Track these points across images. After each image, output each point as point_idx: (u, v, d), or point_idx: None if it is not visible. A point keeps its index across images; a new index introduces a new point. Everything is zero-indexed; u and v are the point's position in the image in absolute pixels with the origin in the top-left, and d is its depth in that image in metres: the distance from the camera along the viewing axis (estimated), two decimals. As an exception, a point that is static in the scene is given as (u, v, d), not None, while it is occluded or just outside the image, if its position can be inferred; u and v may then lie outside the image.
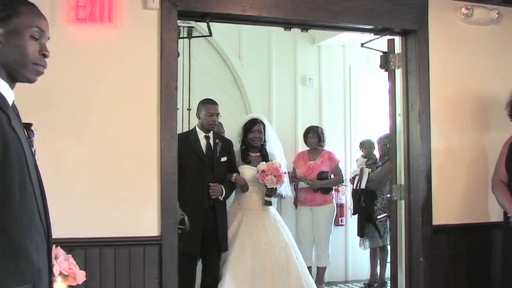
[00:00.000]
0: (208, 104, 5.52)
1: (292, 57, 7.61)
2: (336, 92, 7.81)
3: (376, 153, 7.30)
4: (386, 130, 5.46)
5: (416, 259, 4.71)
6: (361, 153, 7.42)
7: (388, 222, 6.28)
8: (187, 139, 5.41)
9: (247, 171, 5.85)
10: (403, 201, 4.84)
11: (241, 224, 5.72)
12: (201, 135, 5.48)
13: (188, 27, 6.86)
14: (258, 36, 7.27)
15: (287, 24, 4.75)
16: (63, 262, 3.06)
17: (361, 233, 7.09)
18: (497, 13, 4.87)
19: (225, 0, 4.21)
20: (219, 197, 5.38)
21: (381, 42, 5.00)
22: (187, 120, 6.98)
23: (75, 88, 3.85)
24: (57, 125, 3.77)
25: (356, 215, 7.21)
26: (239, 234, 5.66)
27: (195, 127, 5.59)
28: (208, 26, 4.54)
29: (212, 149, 5.47)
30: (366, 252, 7.33)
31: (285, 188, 6.12)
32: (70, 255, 3.17)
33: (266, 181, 5.67)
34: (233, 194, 5.85)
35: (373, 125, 7.75)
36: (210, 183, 5.34)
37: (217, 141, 5.52)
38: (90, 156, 3.86)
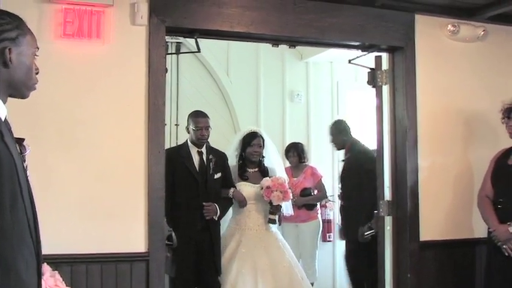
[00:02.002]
0: (196, 117, 5.19)
1: (280, 73, 7.62)
2: (323, 107, 7.83)
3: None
4: (373, 146, 5.47)
5: (404, 275, 4.71)
6: (348, 168, 7.42)
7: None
8: (179, 155, 5.11)
9: (245, 189, 5.48)
10: (390, 217, 4.85)
11: (239, 246, 5.32)
12: (193, 150, 5.16)
13: (176, 43, 6.87)
14: (246, 52, 7.29)
15: (275, 41, 4.77)
16: (49, 279, 3.04)
17: (349, 248, 7.08)
18: (483, 30, 4.93)
19: (213, 16, 4.23)
20: (214, 217, 5.04)
21: (368, 59, 5.02)
22: (175, 135, 6.96)
23: (63, 104, 3.84)
24: (45, 141, 3.76)
25: (343, 231, 7.20)
26: (237, 256, 5.25)
27: (186, 141, 5.27)
28: (197, 42, 4.55)
29: (205, 165, 5.14)
30: (354, 268, 7.32)
31: (287, 206, 5.75)
32: (56, 272, 3.15)
33: (272, 198, 5.31)
34: (230, 212, 5.53)
35: (360, 140, 7.74)
36: (204, 203, 5.00)
37: (210, 156, 5.18)
38: (77, 172, 3.85)
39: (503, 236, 4.31)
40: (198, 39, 4.52)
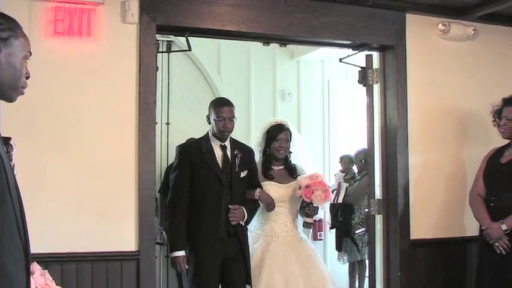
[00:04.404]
0: (218, 105, 4.31)
1: (271, 72, 7.61)
2: (314, 106, 7.83)
3: (355, 168, 7.32)
4: (364, 145, 5.47)
5: (394, 274, 4.72)
6: (339, 167, 7.43)
7: (366, 237, 6.28)
8: (199, 150, 4.30)
9: (272, 189, 4.62)
10: (380, 216, 4.86)
11: (266, 255, 4.49)
12: (215, 144, 4.32)
13: (167, 41, 6.85)
14: (237, 51, 7.28)
15: (266, 39, 4.78)
16: (39, 278, 3.02)
17: (339, 247, 7.09)
18: (473, 29, 4.96)
19: (204, 15, 4.22)
20: (241, 222, 4.30)
21: (359, 58, 5.03)
22: (165, 134, 6.94)
23: (54, 102, 3.83)
24: (35, 139, 3.75)
25: (334, 229, 7.21)
26: (265, 267, 4.43)
27: (207, 134, 4.40)
28: (187, 41, 4.54)
29: (230, 162, 4.33)
30: (345, 267, 7.32)
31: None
32: (46, 271, 3.12)
33: (314, 198, 4.49)
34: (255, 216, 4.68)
35: (351, 139, 7.76)
36: (230, 206, 4.24)
37: (235, 151, 4.36)
38: (68, 171, 3.84)
39: (496, 234, 4.32)
40: (189, 38, 4.51)
